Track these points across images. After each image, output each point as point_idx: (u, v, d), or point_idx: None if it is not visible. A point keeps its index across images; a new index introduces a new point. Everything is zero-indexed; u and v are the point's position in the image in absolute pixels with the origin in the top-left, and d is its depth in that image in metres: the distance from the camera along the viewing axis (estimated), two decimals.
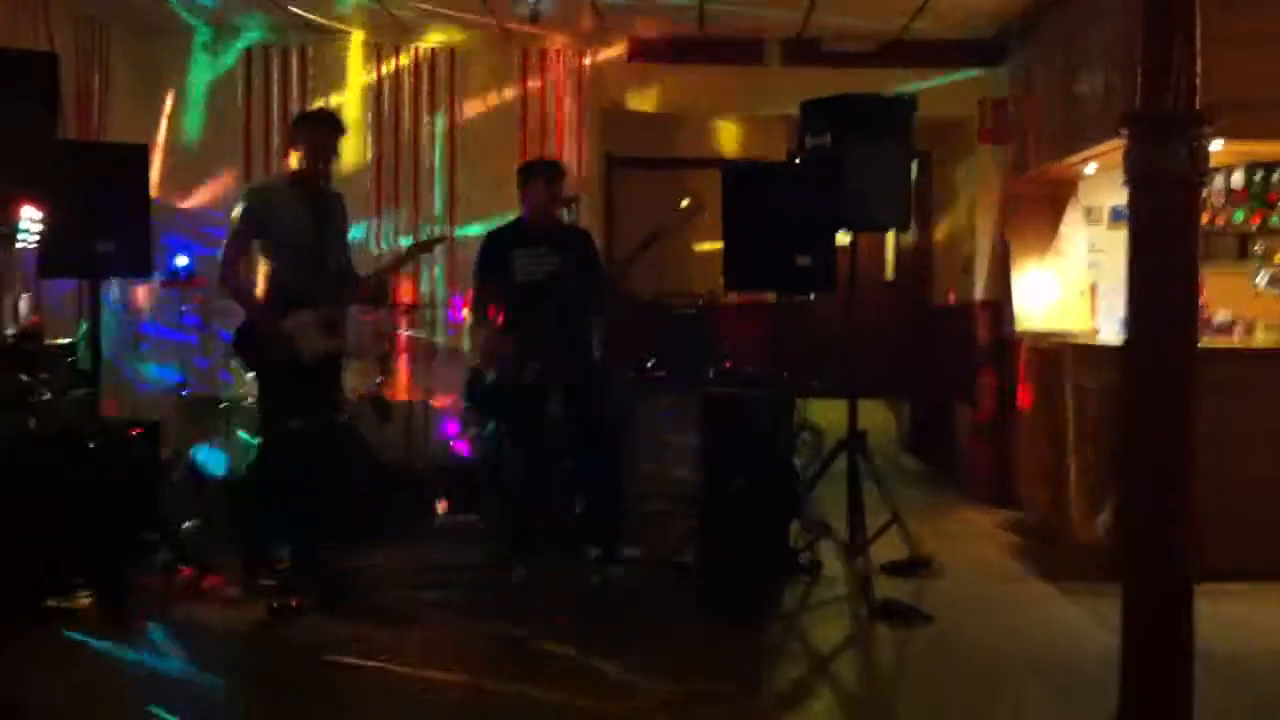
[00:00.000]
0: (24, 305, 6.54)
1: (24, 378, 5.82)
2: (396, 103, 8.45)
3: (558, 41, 8.38)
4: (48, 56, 5.73)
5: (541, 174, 6.18)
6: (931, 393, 9.62)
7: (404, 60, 8.44)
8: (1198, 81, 3.29)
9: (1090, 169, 7.38)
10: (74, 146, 6.43)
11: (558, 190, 6.12)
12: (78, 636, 4.93)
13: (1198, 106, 3.29)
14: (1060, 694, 4.50)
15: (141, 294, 8.06)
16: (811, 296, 6.50)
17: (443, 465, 7.66)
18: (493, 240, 6.27)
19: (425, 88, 8.45)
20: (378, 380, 7.47)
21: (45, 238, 5.53)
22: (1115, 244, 7.81)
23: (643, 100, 8.61)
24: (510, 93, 8.44)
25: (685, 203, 6.16)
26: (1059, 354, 6.96)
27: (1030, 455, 7.42)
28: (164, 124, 8.28)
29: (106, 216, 5.48)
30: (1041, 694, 4.53)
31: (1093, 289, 7.80)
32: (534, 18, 7.55)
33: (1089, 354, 6.63)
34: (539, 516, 6.17)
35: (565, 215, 6.15)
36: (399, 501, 7.13)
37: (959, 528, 7.33)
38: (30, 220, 5.64)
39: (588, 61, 8.45)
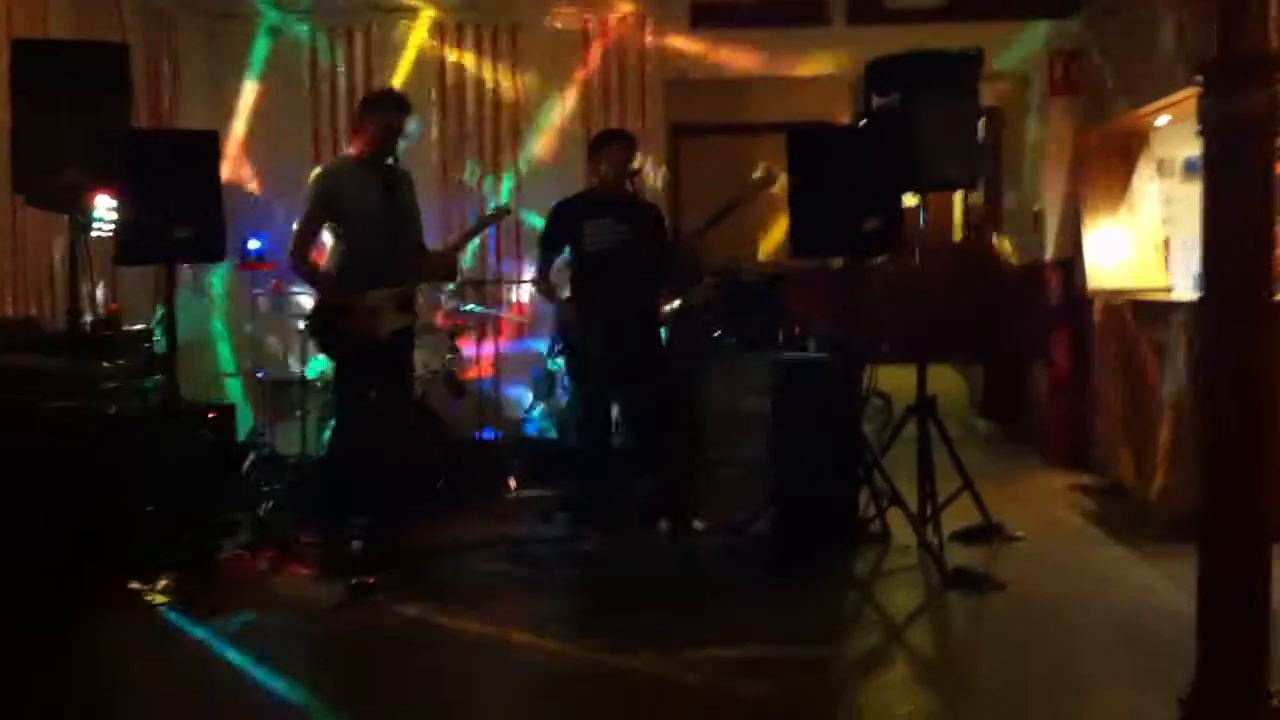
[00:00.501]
0: (101, 292, 6.68)
1: (103, 363, 5.96)
2: (460, 78, 8.49)
3: (620, 10, 8.35)
4: (119, 47, 5.81)
5: (612, 144, 6.18)
6: (1004, 355, 9.50)
7: (468, 35, 8.47)
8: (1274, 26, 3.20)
9: (1162, 120, 7.22)
10: (146, 134, 6.54)
11: (628, 160, 6.12)
12: (160, 618, 5.03)
13: (1276, 51, 3.20)
14: (1137, 659, 4.45)
15: (215, 278, 8.20)
16: (877, 260, 6.46)
17: (514, 439, 7.73)
18: (560, 211, 6.29)
19: (488, 61, 8.47)
20: (449, 356, 7.54)
21: (120, 225, 5.64)
22: (1189, 197, 7.65)
23: (707, 67, 8.57)
24: (573, 63, 8.44)
25: (758, 172, 6.12)
26: (1133, 311, 6.85)
27: (1106, 416, 7.32)
28: (233, 109, 8.39)
29: (180, 202, 5.55)
30: (1118, 659, 4.49)
31: (1166, 243, 7.65)
32: None
33: (1164, 310, 6.51)
34: (612, 487, 6.20)
35: (629, 186, 6.14)
36: (472, 476, 7.20)
37: (1033, 491, 7.26)
38: (106, 208, 5.76)
39: (650, 29, 8.42)
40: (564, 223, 6.18)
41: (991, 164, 9.59)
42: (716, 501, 6.44)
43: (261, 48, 8.48)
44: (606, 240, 6.04)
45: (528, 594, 5.39)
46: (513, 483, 7.30)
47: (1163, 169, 7.81)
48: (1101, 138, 7.86)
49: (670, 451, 6.09)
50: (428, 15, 8.41)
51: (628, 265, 5.94)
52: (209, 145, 5.87)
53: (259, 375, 7.51)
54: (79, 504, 5.16)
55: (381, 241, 5.68)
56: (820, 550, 5.66)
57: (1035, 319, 8.45)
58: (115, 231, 5.73)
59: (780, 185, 6.09)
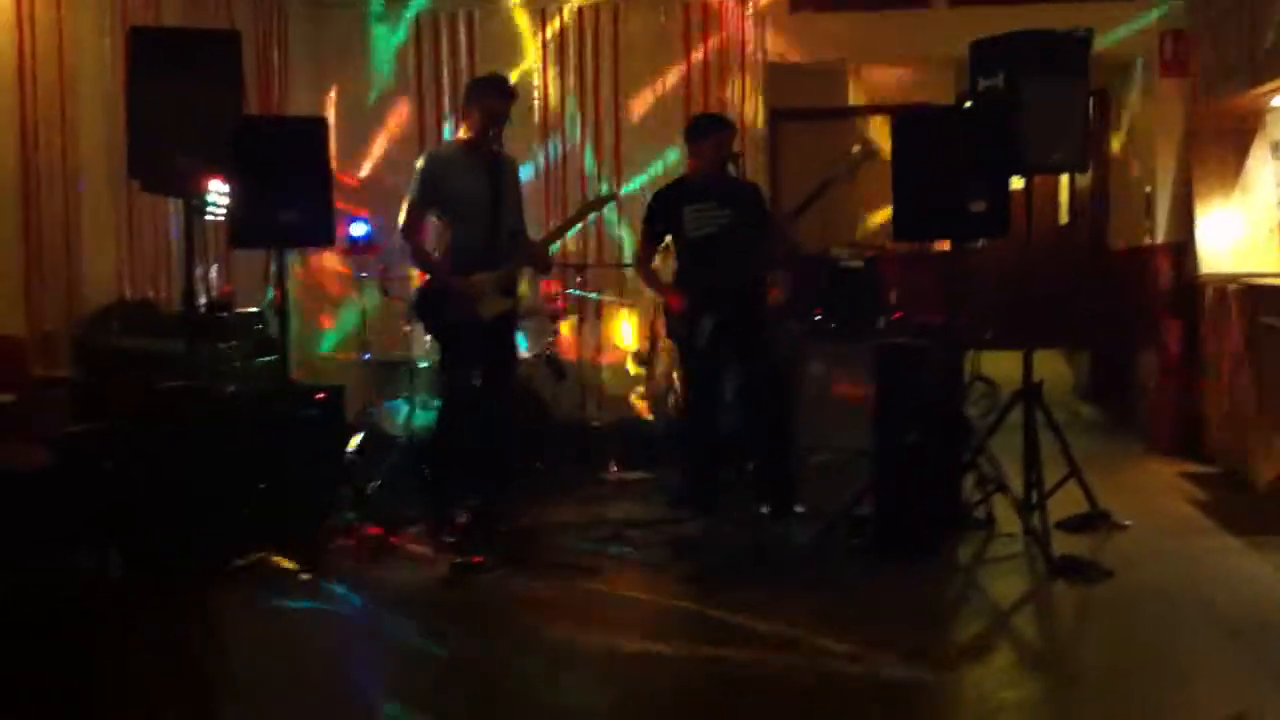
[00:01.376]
0: (215, 275, 6.85)
1: (217, 345, 6.11)
2: (562, 63, 8.54)
3: None
4: (231, 34, 5.94)
5: (713, 130, 6.17)
6: (1112, 340, 9.33)
7: (568, 20, 8.52)
8: None
9: (1278, 101, 7.04)
10: (257, 121, 6.68)
11: (728, 146, 6.11)
12: (270, 595, 5.14)
13: None
14: (1245, 649, 4.37)
15: (324, 262, 8.36)
16: (981, 244, 6.37)
17: (616, 422, 7.78)
18: (661, 198, 6.30)
19: (590, 47, 8.52)
20: (550, 339, 7.60)
21: (232, 210, 5.77)
22: None
23: (807, 51, 8.53)
24: (673, 48, 8.45)
25: (857, 148, 6.07)
26: (1247, 296, 6.69)
27: (1217, 403, 7.16)
28: (340, 96, 8.53)
29: (289, 188, 5.67)
30: (1226, 649, 4.40)
31: None
32: None
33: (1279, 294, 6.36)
34: (716, 470, 6.21)
35: (731, 171, 6.14)
36: (574, 458, 7.26)
37: (1142, 480, 7.12)
38: (218, 193, 5.90)
39: (750, 13, 8.40)
40: (664, 210, 6.18)
41: (1100, 146, 9.41)
42: (815, 487, 6.44)
43: (369, 35, 8.61)
44: (709, 225, 6.04)
45: (630, 577, 5.42)
46: (614, 465, 7.34)
47: (1277, 150, 7.61)
48: (1213, 119, 7.68)
49: (775, 435, 6.07)
50: (526, 1, 8.47)
51: (732, 248, 5.93)
52: (317, 132, 5.98)
53: (365, 356, 7.63)
54: (193, 481, 5.30)
55: (484, 226, 5.76)
56: (924, 536, 5.61)
57: (1144, 304, 8.28)
58: (227, 216, 5.87)
59: (884, 155, 6.02)
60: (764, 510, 6.08)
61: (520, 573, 5.37)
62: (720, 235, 6.00)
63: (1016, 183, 5.92)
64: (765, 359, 6.05)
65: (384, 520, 6.02)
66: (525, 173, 6.99)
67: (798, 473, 6.32)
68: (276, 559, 5.43)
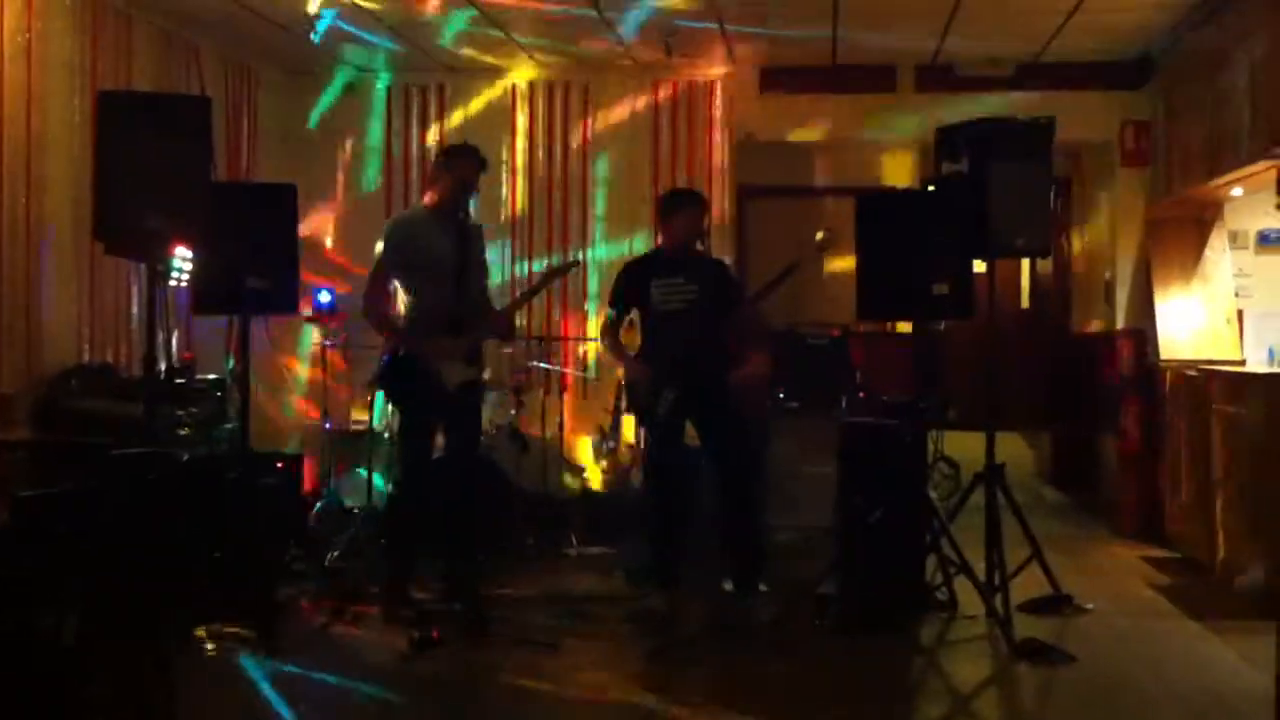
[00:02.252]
0: (176, 341, 6.79)
1: (178, 411, 6.04)
2: (531, 136, 8.61)
3: (690, 73, 8.44)
4: (202, 100, 5.94)
5: (684, 205, 6.19)
6: (1073, 424, 9.39)
7: (538, 94, 8.59)
8: None
9: (1236, 192, 7.16)
10: (226, 186, 6.66)
11: (699, 222, 6.14)
12: (223, 665, 5.04)
13: None
14: None
15: (285, 329, 8.31)
16: (941, 325, 6.41)
17: (577, 496, 7.74)
18: (629, 270, 6.31)
19: (559, 120, 8.59)
20: (513, 411, 7.57)
21: (197, 275, 5.73)
22: (1263, 269, 7.61)
23: (775, 130, 8.63)
24: (642, 124, 8.53)
25: (820, 235, 6.11)
26: (1206, 383, 6.75)
27: (1178, 488, 7.20)
28: (309, 162, 8.55)
29: (256, 254, 5.65)
30: None
31: (1239, 316, 7.56)
32: (667, 50, 7.62)
33: (1238, 383, 6.42)
34: (677, 544, 6.16)
35: (699, 246, 6.17)
36: (536, 532, 7.21)
37: (1104, 563, 7.13)
38: (182, 258, 5.86)
39: (720, 92, 8.50)
40: (631, 283, 6.19)
41: (1062, 232, 9.54)
42: (779, 565, 6.40)
43: (339, 103, 8.65)
44: (675, 300, 6.04)
45: (588, 651, 5.35)
46: (574, 539, 7.29)
47: (1236, 240, 7.75)
48: (1173, 208, 7.82)
49: (741, 508, 6.04)
50: (498, 74, 8.55)
51: (696, 324, 5.93)
52: (286, 198, 5.97)
53: (326, 425, 7.57)
54: (149, 548, 5.20)
55: (450, 292, 5.74)
56: (886, 617, 5.58)
57: (1104, 388, 8.35)
58: (191, 281, 5.82)
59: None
60: (727, 585, 6.04)
61: (478, 647, 5.29)
62: (685, 311, 6.00)
63: (980, 266, 5.97)
64: (730, 433, 6.02)
65: (342, 591, 5.94)
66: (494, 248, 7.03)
67: (764, 548, 6.27)
68: (233, 628, 5.33)
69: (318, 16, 7.10)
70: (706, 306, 5.97)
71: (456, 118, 8.59)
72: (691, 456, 6.13)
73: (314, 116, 8.67)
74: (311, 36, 7.30)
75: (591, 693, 4.82)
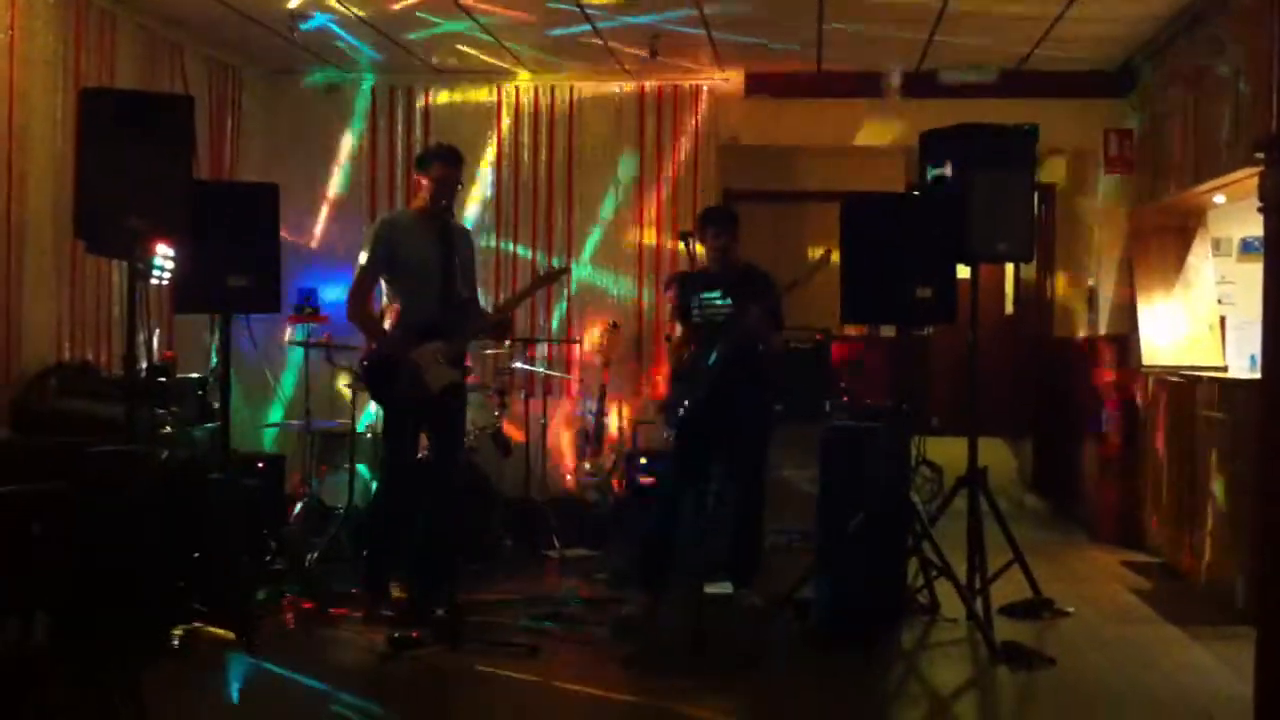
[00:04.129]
0: (157, 340, 6.76)
1: (158, 410, 6.01)
2: (516, 138, 8.59)
3: (676, 78, 8.44)
4: (185, 99, 5.91)
5: (703, 223, 6.26)
6: (1055, 430, 9.41)
7: (524, 97, 8.58)
8: None
9: (1219, 199, 7.19)
10: (208, 185, 6.64)
11: (717, 237, 6.15)
12: (202, 667, 5.02)
13: None
14: None
15: (268, 329, 8.28)
16: (927, 331, 6.42)
17: (559, 500, 7.73)
18: (681, 283, 6.37)
19: (545, 124, 8.58)
20: (497, 414, 7.56)
21: (179, 274, 5.70)
22: (1245, 276, 7.62)
23: (760, 134, 8.63)
24: (628, 128, 8.52)
25: (817, 254, 6.16)
26: (1188, 389, 6.77)
27: (1159, 495, 7.22)
28: (292, 162, 8.52)
29: (238, 253, 5.63)
30: None
31: (1222, 323, 7.58)
32: (653, 53, 7.62)
33: (1220, 389, 6.44)
34: (668, 551, 6.16)
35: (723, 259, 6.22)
36: (517, 535, 7.19)
37: (1084, 568, 7.15)
38: (164, 257, 5.84)
39: (706, 97, 8.50)
40: (683, 294, 6.26)
41: (1045, 238, 9.56)
42: (762, 569, 6.39)
43: (322, 104, 8.63)
44: (710, 315, 6.10)
45: (567, 655, 5.34)
46: (556, 543, 7.27)
47: (1219, 248, 7.78)
48: (1156, 215, 7.84)
49: (746, 515, 6.07)
50: (483, 77, 8.53)
51: (723, 338, 5.95)
52: (268, 198, 5.95)
53: (308, 426, 7.54)
54: (126, 548, 5.17)
55: (436, 294, 5.73)
56: (867, 620, 5.58)
57: (1087, 395, 8.37)
58: (173, 280, 5.80)
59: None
60: (710, 589, 6.03)
61: (457, 650, 5.25)
62: (714, 325, 6.03)
63: (963, 271, 5.98)
64: (756, 446, 6.06)
65: (321, 593, 5.91)
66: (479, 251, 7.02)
67: (759, 551, 6.27)
68: (210, 630, 5.30)
69: (303, 16, 7.08)
70: (736, 322, 5.97)
71: (440, 119, 8.56)
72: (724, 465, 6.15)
73: (297, 116, 8.63)
74: (297, 31, 7.26)
75: (569, 696, 4.80)
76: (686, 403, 5.93)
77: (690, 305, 6.18)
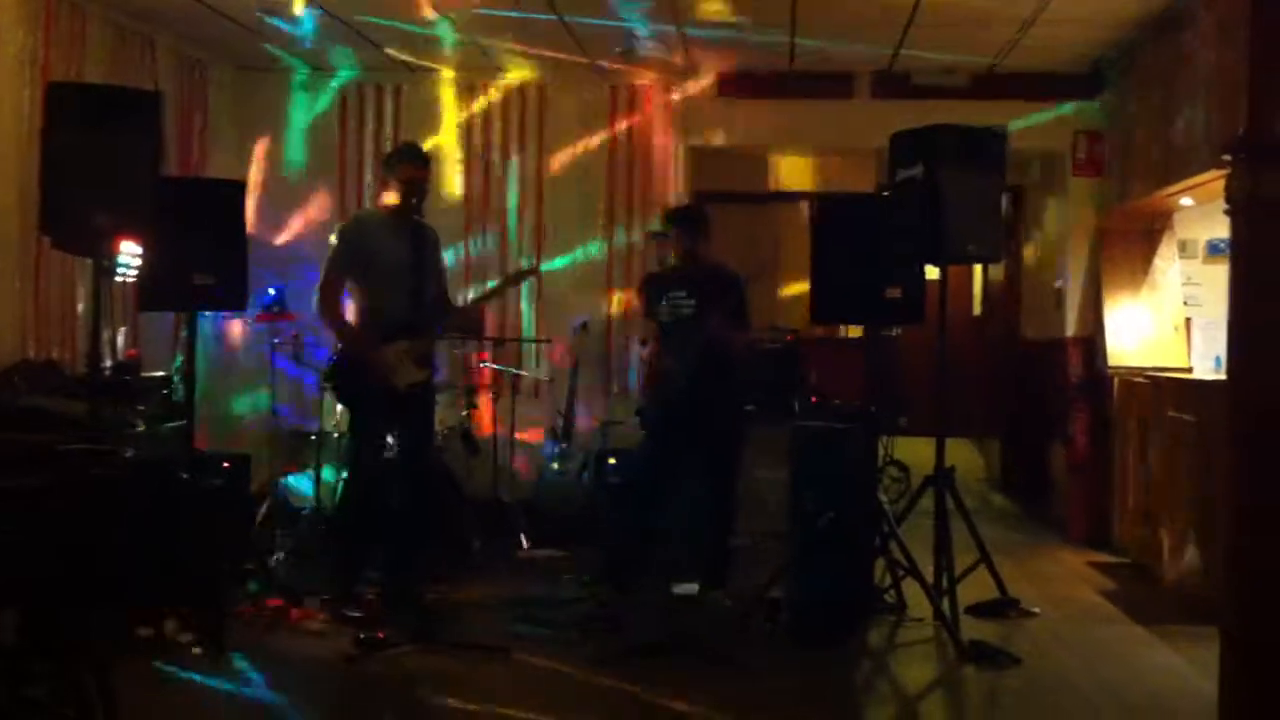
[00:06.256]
0: (122, 338, 6.71)
1: (123, 408, 5.95)
2: (487, 138, 8.57)
3: (647, 77, 8.43)
4: (153, 94, 5.85)
5: (672, 221, 6.35)
6: (1022, 430, 9.46)
7: (494, 96, 8.56)
8: None
9: (1187, 201, 7.25)
10: (175, 182, 6.58)
11: (683, 237, 6.19)
12: (168, 666, 4.98)
13: None
14: None
15: (235, 327, 8.24)
16: (895, 332, 6.44)
17: (528, 499, 7.70)
18: (650, 283, 6.46)
19: (515, 123, 8.55)
20: (465, 413, 7.53)
21: (144, 271, 5.65)
22: (1211, 278, 7.67)
23: (732, 135, 8.63)
24: (599, 128, 8.51)
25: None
26: (1154, 390, 6.82)
27: (1125, 495, 7.27)
28: (260, 160, 8.48)
29: (204, 251, 5.60)
30: None
31: (1187, 324, 7.64)
32: (628, 56, 7.60)
33: (1185, 390, 6.49)
34: (640, 550, 6.16)
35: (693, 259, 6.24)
36: (485, 534, 7.16)
37: (1051, 568, 7.18)
38: (130, 254, 5.78)
39: (676, 97, 8.49)
40: (651, 293, 6.35)
41: (1014, 240, 9.61)
42: (730, 569, 6.39)
43: (291, 102, 8.58)
44: (675, 314, 6.13)
45: (536, 656, 5.31)
46: (525, 542, 7.25)
47: (1185, 250, 7.83)
48: (1123, 217, 7.89)
49: (718, 512, 6.09)
50: (453, 76, 8.51)
51: (693, 336, 5.95)
52: (235, 195, 5.91)
53: (274, 425, 7.49)
54: (90, 547, 5.12)
55: (404, 294, 5.70)
56: (835, 620, 5.59)
57: (1054, 395, 8.41)
58: (139, 277, 5.75)
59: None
60: (677, 590, 6.03)
61: (426, 650, 5.22)
62: (681, 324, 6.04)
63: (932, 272, 6.00)
64: (721, 445, 6.09)
65: (287, 592, 5.87)
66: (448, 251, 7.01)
67: (731, 552, 6.27)
68: (175, 630, 5.25)
69: (272, 10, 7.04)
70: (700, 321, 5.98)
71: (410, 117, 8.52)
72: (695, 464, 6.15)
73: (266, 113, 8.58)
74: (269, 19, 7.20)
75: (540, 696, 4.78)
76: (661, 403, 5.95)
77: (659, 304, 6.18)
